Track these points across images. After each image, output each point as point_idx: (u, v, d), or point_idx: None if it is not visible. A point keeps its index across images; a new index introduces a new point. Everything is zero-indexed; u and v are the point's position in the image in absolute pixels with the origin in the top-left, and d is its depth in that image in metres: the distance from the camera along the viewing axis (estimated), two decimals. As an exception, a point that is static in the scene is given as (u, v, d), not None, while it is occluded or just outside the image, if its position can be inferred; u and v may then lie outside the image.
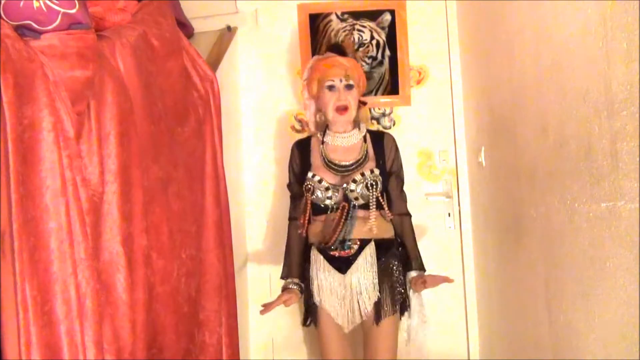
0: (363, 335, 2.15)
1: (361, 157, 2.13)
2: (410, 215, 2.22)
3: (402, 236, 2.18)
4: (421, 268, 2.15)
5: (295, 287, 2.17)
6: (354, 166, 2.12)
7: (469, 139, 2.69)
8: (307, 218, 2.12)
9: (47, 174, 1.40)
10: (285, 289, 2.18)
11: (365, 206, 2.07)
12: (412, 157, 2.75)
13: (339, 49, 2.27)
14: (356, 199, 2.07)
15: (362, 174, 2.08)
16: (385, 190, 2.17)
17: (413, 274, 2.13)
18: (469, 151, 2.70)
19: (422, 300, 2.15)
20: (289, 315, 2.77)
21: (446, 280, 2.06)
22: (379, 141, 2.19)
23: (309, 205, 2.11)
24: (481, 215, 2.59)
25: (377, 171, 2.10)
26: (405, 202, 2.23)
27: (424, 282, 2.06)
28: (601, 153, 1.30)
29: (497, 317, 2.43)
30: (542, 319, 1.77)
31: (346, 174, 2.11)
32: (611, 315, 1.32)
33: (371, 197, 2.06)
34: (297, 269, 2.19)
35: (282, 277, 2.23)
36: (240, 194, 2.78)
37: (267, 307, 2.09)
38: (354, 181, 2.07)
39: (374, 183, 2.07)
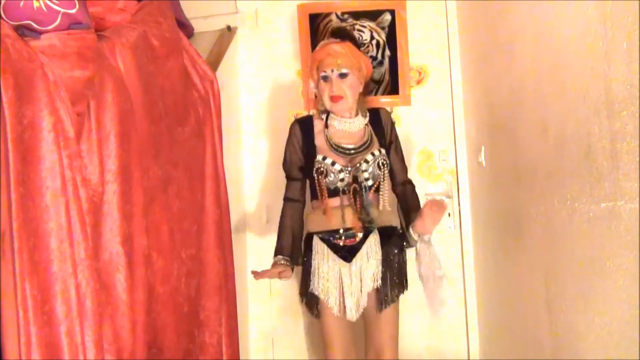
0: (364, 324, 2.15)
1: (367, 140, 2.16)
2: (413, 184, 2.24)
3: (406, 200, 2.18)
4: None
5: (286, 263, 2.11)
6: (361, 149, 2.13)
7: (469, 139, 2.69)
8: (323, 200, 2.09)
9: (47, 174, 1.40)
10: (275, 264, 2.12)
11: (372, 188, 2.09)
12: (412, 157, 2.75)
13: (340, 33, 2.26)
14: (367, 179, 2.09)
15: (373, 154, 2.11)
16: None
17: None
18: (469, 151, 2.70)
19: (433, 253, 2.09)
20: (289, 315, 2.77)
21: (442, 205, 2.01)
22: (377, 118, 2.22)
23: (324, 187, 2.09)
24: (481, 215, 2.59)
25: (383, 151, 2.14)
26: (406, 172, 2.25)
27: (421, 214, 2.01)
28: (601, 153, 1.30)
29: (497, 317, 2.43)
30: (542, 319, 1.78)
31: (353, 156, 2.12)
32: (611, 315, 1.32)
33: (381, 177, 2.09)
34: (288, 247, 2.16)
35: (275, 255, 2.17)
36: (240, 194, 2.78)
37: (260, 274, 2.07)
38: (366, 161, 2.09)
39: (384, 162, 2.11)
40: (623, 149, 1.21)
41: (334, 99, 2.13)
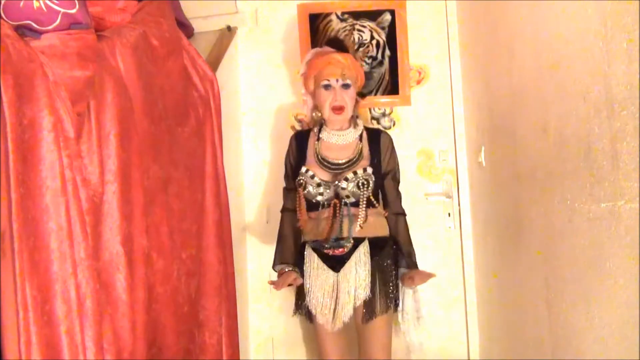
0: (357, 334, 2.15)
1: (354, 156, 2.14)
2: (405, 215, 2.25)
3: (396, 235, 2.20)
4: (411, 266, 2.16)
5: (294, 269, 2.15)
6: (346, 165, 2.13)
7: (469, 139, 2.69)
8: (301, 212, 2.13)
9: (47, 174, 1.40)
10: (282, 274, 2.15)
11: (357, 204, 2.09)
12: (412, 157, 2.75)
13: (337, 44, 2.26)
14: (347, 196, 2.08)
15: (355, 173, 2.09)
16: (381, 189, 2.19)
17: (403, 270, 2.15)
18: (469, 151, 2.70)
19: (417, 296, 2.15)
20: (289, 315, 2.77)
21: (431, 276, 2.08)
22: (376, 140, 2.20)
23: (301, 199, 2.12)
24: (481, 215, 2.58)
25: (369, 170, 2.11)
26: (400, 201, 2.25)
27: (411, 278, 2.08)
28: (601, 153, 1.30)
29: (497, 317, 2.43)
30: (542, 319, 1.77)
31: (338, 171, 2.12)
32: (611, 315, 1.32)
33: (361, 196, 2.07)
34: (291, 256, 2.19)
35: (274, 266, 2.21)
36: (240, 194, 2.78)
37: (277, 284, 2.09)
38: (346, 179, 2.09)
39: (365, 182, 2.08)
40: (623, 149, 1.21)
41: (336, 109, 2.12)
